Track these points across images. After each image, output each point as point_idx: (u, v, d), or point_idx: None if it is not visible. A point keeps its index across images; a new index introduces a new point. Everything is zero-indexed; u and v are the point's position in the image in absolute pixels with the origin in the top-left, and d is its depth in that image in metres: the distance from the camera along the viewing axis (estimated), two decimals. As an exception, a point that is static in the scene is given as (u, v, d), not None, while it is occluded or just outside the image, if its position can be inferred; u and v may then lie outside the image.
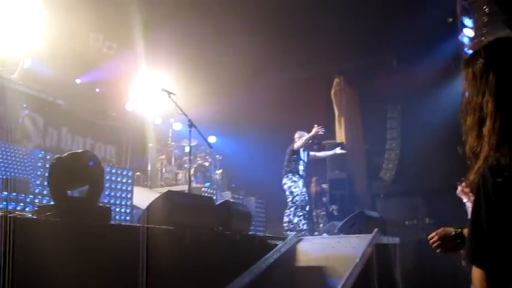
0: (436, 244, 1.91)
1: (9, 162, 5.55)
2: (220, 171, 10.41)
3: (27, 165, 5.68)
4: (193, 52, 9.49)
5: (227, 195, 8.98)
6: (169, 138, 10.40)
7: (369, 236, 5.94)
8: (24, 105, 7.25)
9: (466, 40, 8.57)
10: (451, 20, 8.97)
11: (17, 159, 5.63)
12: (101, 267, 3.33)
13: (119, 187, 6.46)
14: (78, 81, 9.35)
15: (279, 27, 9.23)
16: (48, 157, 5.72)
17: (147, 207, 4.58)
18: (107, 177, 6.12)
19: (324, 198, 9.84)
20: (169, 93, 6.31)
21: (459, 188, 4.65)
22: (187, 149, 8.91)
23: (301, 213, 7.58)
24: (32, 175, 5.62)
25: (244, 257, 5.25)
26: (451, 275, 7.20)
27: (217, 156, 10.51)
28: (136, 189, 7.06)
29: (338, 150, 8.50)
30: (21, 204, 5.05)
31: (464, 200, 4.58)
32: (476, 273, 1.28)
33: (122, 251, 3.62)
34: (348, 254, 5.44)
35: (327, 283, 4.91)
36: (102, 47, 9.57)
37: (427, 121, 9.21)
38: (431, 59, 9.17)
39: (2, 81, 6.74)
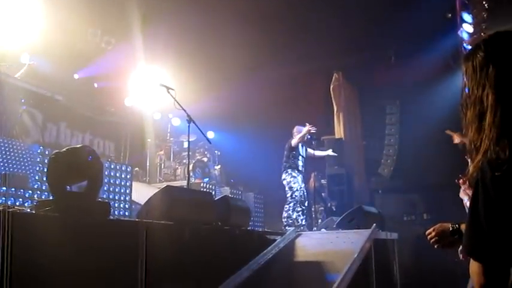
0: (433, 240, 1.92)
1: (8, 157, 5.54)
2: (219, 166, 10.42)
3: (26, 160, 5.66)
4: (191, 47, 9.46)
5: (226, 191, 8.98)
6: (168, 134, 10.40)
7: (368, 232, 5.96)
8: (23, 100, 7.23)
9: (465, 36, 8.57)
10: (450, 15, 8.96)
11: (16, 155, 5.62)
12: (100, 261, 3.34)
13: (117, 182, 6.45)
14: (76, 76, 9.33)
15: (278, 22, 9.20)
16: (47, 152, 5.70)
17: (146, 202, 4.58)
18: (106, 173, 6.11)
19: (323, 194, 9.86)
20: (168, 88, 6.30)
21: (462, 188, 4.63)
22: (186, 145, 8.92)
23: (300, 209, 7.60)
24: (31, 170, 5.61)
25: (243, 252, 5.26)
26: (449, 271, 7.21)
27: (216, 151, 10.52)
28: (135, 184, 7.05)
29: (330, 153, 8.90)
30: (20, 199, 5.05)
31: (465, 200, 4.58)
32: (474, 266, 1.28)
33: (121, 245, 3.63)
34: (347, 249, 5.46)
35: (325, 278, 4.92)
36: (100, 42, 9.52)
37: (425, 117, 9.20)
38: (431, 55, 9.15)
39: (0, 76, 6.71)
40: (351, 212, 7.19)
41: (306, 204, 7.99)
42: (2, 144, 5.53)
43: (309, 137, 7.98)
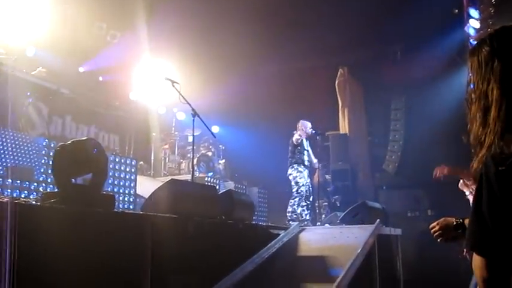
0: (437, 233, 1.92)
1: (14, 150, 5.57)
2: (223, 161, 10.43)
3: (31, 153, 5.69)
4: (197, 41, 9.46)
5: (230, 185, 9.00)
6: (173, 128, 10.41)
7: (371, 227, 5.96)
8: (28, 93, 7.26)
9: (472, 31, 8.51)
10: (457, 11, 8.89)
11: (22, 148, 5.65)
12: (105, 254, 3.36)
13: (122, 176, 6.49)
14: (81, 69, 9.35)
15: (284, 16, 9.18)
16: (52, 145, 5.74)
17: (151, 195, 4.60)
18: (111, 166, 6.14)
19: (328, 189, 9.86)
20: (173, 82, 6.30)
21: (460, 181, 4.62)
22: (190, 139, 8.94)
23: (304, 204, 7.62)
24: (36, 163, 5.64)
25: (246, 246, 5.27)
26: (453, 266, 7.20)
27: (220, 146, 10.53)
28: (139, 178, 7.08)
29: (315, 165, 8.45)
30: (25, 192, 5.08)
31: (466, 193, 4.56)
32: (477, 260, 1.28)
33: (125, 238, 3.65)
34: (350, 244, 5.46)
35: (328, 273, 4.93)
36: (105, 36, 9.55)
37: (431, 113, 9.16)
38: (437, 50, 9.09)
39: (6, 69, 6.74)
40: (355, 207, 7.19)
41: (311, 199, 8.00)
42: (8, 137, 5.56)
43: (313, 131, 7.97)
